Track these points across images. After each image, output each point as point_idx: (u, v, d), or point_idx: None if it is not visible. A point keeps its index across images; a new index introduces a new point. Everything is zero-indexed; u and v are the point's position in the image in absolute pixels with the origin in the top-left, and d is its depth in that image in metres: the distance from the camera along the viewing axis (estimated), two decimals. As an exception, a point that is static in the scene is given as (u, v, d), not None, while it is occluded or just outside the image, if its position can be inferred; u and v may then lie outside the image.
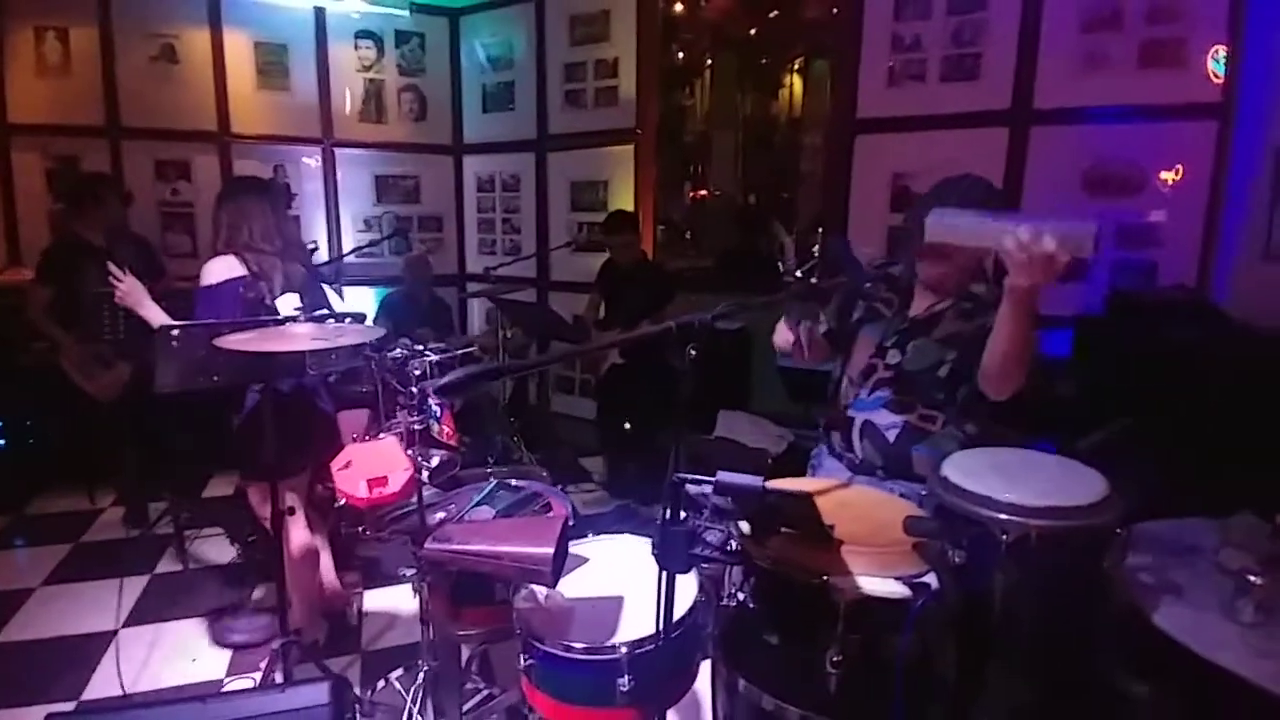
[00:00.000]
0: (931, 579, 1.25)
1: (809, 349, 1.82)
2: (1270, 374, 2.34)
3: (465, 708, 1.99)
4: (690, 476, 1.08)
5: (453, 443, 1.94)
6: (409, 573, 1.74)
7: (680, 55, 9.09)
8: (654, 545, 1.15)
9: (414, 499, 1.63)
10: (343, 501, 1.57)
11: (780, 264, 1.61)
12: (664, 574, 1.17)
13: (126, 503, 3.64)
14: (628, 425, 3.90)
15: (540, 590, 1.51)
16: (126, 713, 1.72)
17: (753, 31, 8.83)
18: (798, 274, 1.58)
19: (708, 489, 1.13)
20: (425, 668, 1.99)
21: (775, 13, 8.35)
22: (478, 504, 1.87)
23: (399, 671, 2.29)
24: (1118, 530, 1.42)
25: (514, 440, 4.09)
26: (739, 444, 2.92)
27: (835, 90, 4.04)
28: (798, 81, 9.33)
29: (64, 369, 3.33)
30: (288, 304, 2.24)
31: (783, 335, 1.84)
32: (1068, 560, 1.39)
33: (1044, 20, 3.28)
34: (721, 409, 3.26)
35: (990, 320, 1.70)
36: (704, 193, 10.01)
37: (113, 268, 2.16)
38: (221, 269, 2.21)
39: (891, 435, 1.79)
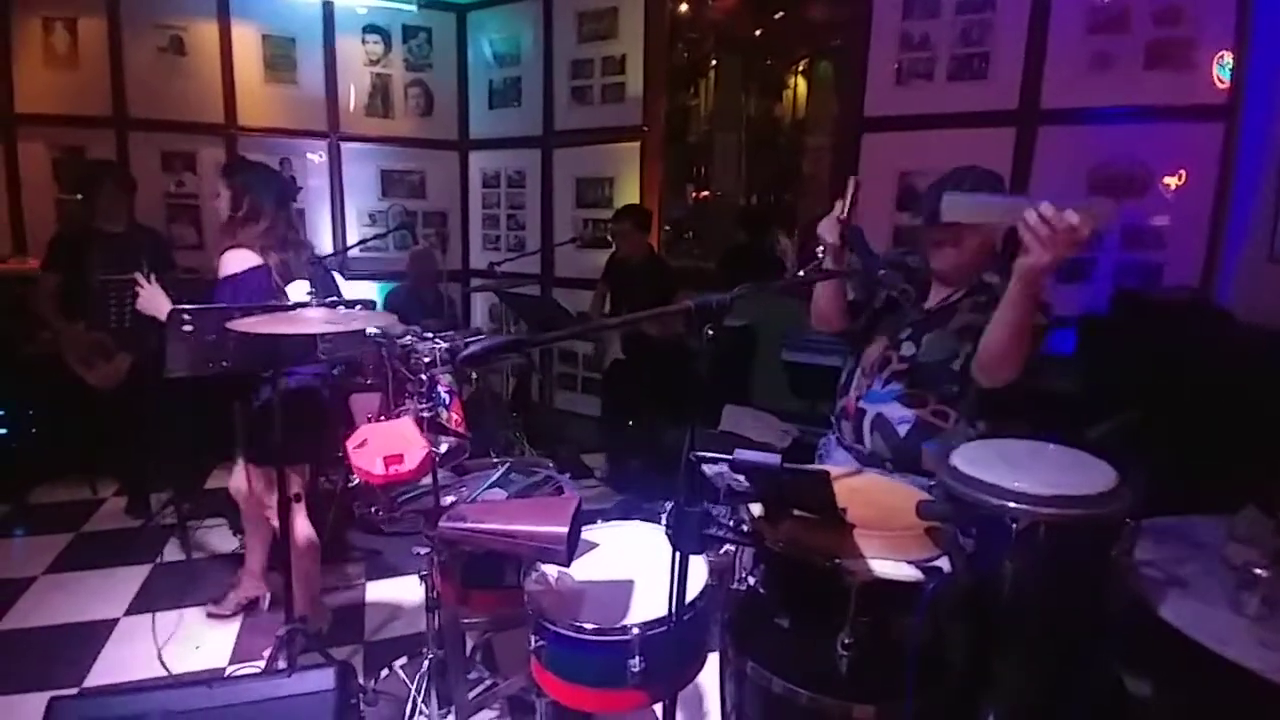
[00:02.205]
0: (944, 563, 1.25)
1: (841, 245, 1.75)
2: (1274, 374, 2.36)
3: (469, 696, 1.98)
4: (707, 455, 1.08)
5: (461, 430, 1.94)
6: (422, 552, 1.74)
7: (685, 55, 9.09)
8: (667, 525, 1.16)
9: (429, 478, 1.63)
10: (358, 480, 1.57)
11: (783, 263, 1.62)
12: (677, 555, 1.18)
13: (128, 492, 3.64)
14: (630, 423, 3.92)
15: (551, 572, 1.51)
16: (132, 696, 1.72)
17: (758, 32, 8.83)
18: (800, 273, 1.58)
19: (723, 469, 1.13)
20: (430, 655, 1.99)
21: (781, 14, 8.36)
22: (490, 486, 1.88)
23: (403, 660, 2.29)
24: (1126, 521, 1.43)
25: (516, 435, 4.10)
26: (744, 438, 2.93)
27: (842, 88, 4.05)
28: (802, 83, 9.34)
29: (65, 358, 3.33)
30: (298, 290, 2.25)
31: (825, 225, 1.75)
32: (1076, 549, 1.40)
33: (1052, 21, 3.30)
34: (727, 404, 3.27)
35: None
36: (706, 193, 10.02)
37: (139, 278, 2.17)
38: (240, 260, 2.23)
39: (903, 430, 1.79)
